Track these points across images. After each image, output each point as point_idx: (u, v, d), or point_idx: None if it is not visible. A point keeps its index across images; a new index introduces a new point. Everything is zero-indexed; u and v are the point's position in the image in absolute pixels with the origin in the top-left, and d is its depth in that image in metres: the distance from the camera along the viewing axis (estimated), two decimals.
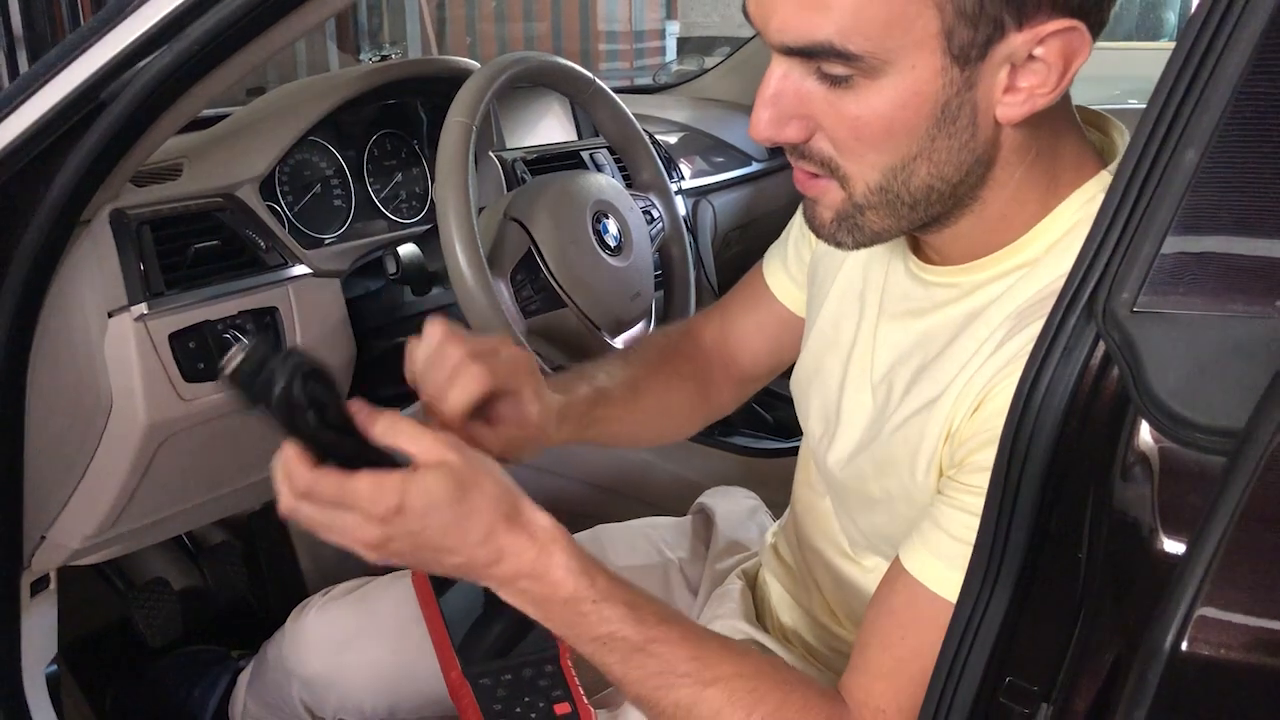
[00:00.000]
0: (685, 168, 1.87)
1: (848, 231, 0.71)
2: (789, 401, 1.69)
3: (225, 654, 1.39)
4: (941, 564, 0.68)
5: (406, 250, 1.15)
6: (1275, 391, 0.47)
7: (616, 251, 1.17)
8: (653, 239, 1.26)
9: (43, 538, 1.08)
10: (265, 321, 1.10)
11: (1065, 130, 0.70)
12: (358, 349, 1.20)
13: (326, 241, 1.24)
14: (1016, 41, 0.61)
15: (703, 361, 1.02)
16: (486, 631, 0.79)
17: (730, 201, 1.98)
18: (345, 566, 1.10)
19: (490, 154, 1.41)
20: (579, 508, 1.64)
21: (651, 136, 1.59)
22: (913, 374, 0.75)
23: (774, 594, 0.99)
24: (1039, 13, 0.60)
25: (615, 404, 0.92)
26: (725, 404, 1.04)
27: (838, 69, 0.63)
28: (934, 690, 0.62)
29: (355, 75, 1.27)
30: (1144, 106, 0.53)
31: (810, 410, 0.88)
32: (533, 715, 0.83)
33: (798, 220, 0.96)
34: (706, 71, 2.33)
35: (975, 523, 0.61)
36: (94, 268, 0.97)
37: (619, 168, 1.52)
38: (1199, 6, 0.51)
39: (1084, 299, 0.54)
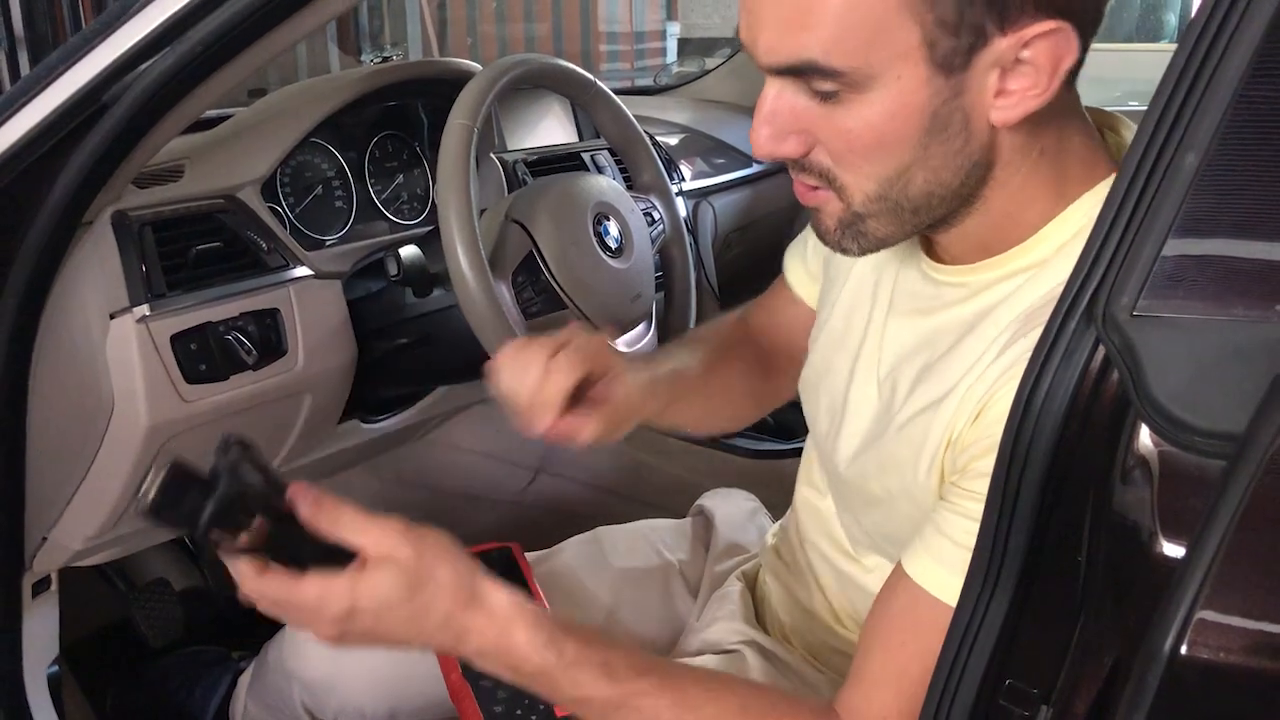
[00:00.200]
0: (686, 169, 1.87)
1: (852, 239, 0.72)
2: (789, 403, 1.70)
3: (226, 655, 1.39)
4: (943, 569, 0.68)
5: (408, 252, 1.15)
6: (1275, 395, 0.47)
7: (617, 253, 1.17)
8: (653, 240, 1.26)
9: (44, 539, 1.08)
10: (266, 323, 1.10)
11: (1073, 130, 0.69)
12: (359, 350, 1.20)
13: (328, 243, 1.24)
14: (1001, 46, 0.61)
15: (759, 348, 1.03)
16: None
17: (731, 203, 1.98)
18: None
19: (491, 156, 1.41)
20: (579, 509, 1.64)
21: (652, 138, 1.59)
22: (918, 372, 0.75)
23: (774, 595, 0.99)
24: (1022, 16, 0.60)
25: (691, 385, 0.93)
26: (785, 389, 1.04)
27: (826, 85, 0.63)
28: (934, 692, 0.62)
29: (356, 77, 1.27)
30: (1144, 109, 0.54)
31: (819, 407, 0.88)
32: (533, 717, 0.83)
33: None
34: (707, 73, 2.33)
35: (974, 528, 0.61)
36: (96, 269, 0.97)
37: (620, 169, 1.52)
38: (1199, 10, 0.51)
39: (1084, 303, 0.54)
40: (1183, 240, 0.51)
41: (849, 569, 0.87)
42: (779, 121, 0.67)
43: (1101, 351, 0.54)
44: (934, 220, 0.71)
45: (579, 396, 0.79)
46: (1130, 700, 0.49)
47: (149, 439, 1.02)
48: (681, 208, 1.54)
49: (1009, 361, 0.67)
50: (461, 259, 1.01)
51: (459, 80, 1.15)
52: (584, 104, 1.27)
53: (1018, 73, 0.62)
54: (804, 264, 0.99)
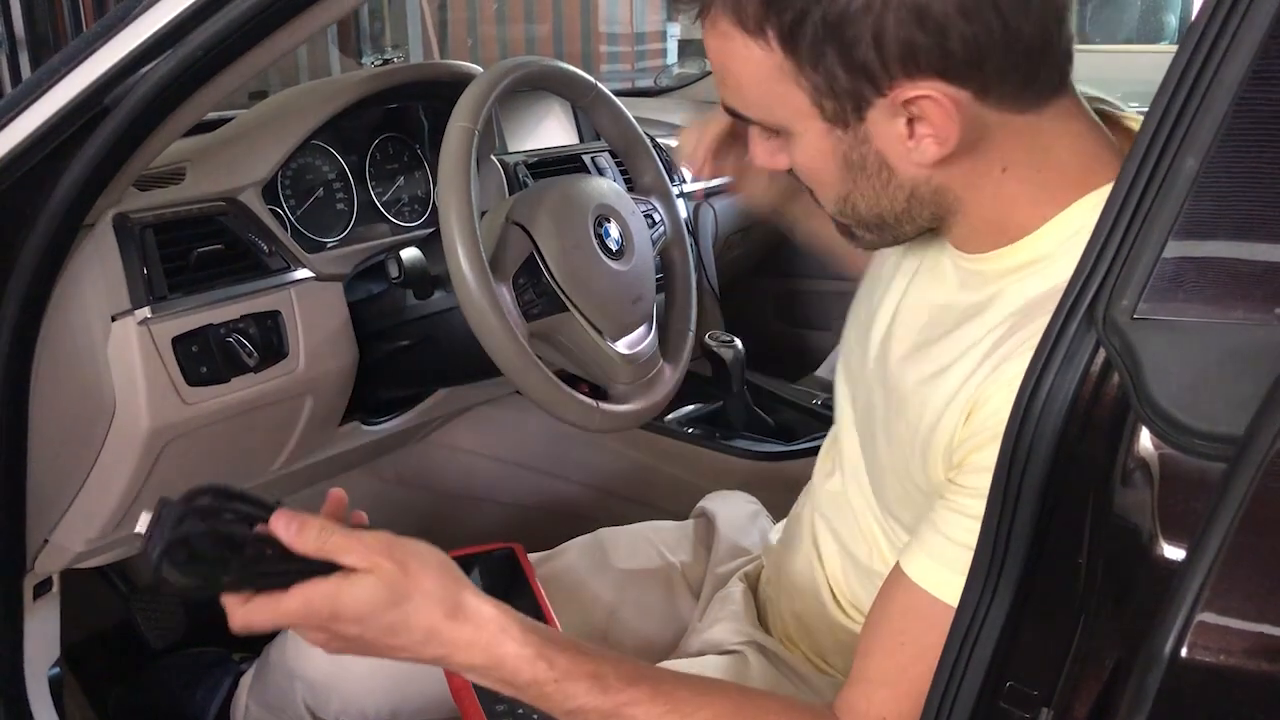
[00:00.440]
0: (687, 171, 1.87)
1: (853, 237, 0.78)
2: (791, 405, 1.71)
3: (227, 656, 1.39)
4: (941, 568, 0.69)
5: (409, 254, 1.15)
6: (1275, 398, 0.47)
7: (618, 255, 1.17)
8: (654, 242, 1.26)
9: (46, 541, 1.08)
10: (267, 325, 1.10)
11: (1062, 136, 0.70)
12: (360, 352, 1.20)
13: (329, 245, 1.24)
14: (883, 105, 0.66)
15: None
16: None
17: (731, 205, 1.98)
18: None
19: (492, 158, 1.41)
20: (580, 510, 1.64)
21: (653, 140, 1.59)
22: (916, 343, 0.78)
23: (777, 592, 0.99)
24: (895, 81, 0.65)
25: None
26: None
27: (760, 128, 0.74)
28: (935, 694, 0.62)
29: (357, 79, 1.27)
30: (1144, 111, 0.54)
31: (851, 341, 0.91)
32: (535, 717, 0.83)
33: None
34: (708, 74, 2.33)
35: (974, 525, 0.61)
36: (97, 271, 0.98)
37: (621, 171, 1.52)
38: (1199, 13, 0.51)
39: (1084, 305, 0.54)
40: (1183, 243, 0.51)
41: (859, 551, 0.87)
42: (760, 146, 0.77)
43: (1102, 354, 0.54)
44: (914, 228, 0.75)
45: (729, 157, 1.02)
46: (1130, 703, 0.49)
47: (150, 441, 1.02)
48: (682, 209, 1.54)
49: (1005, 354, 0.68)
50: (462, 261, 1.01)
51: (460, 82, 1.15)
52: (585, 106, 1.27)
53: (921, 120, 0.66)
54: None
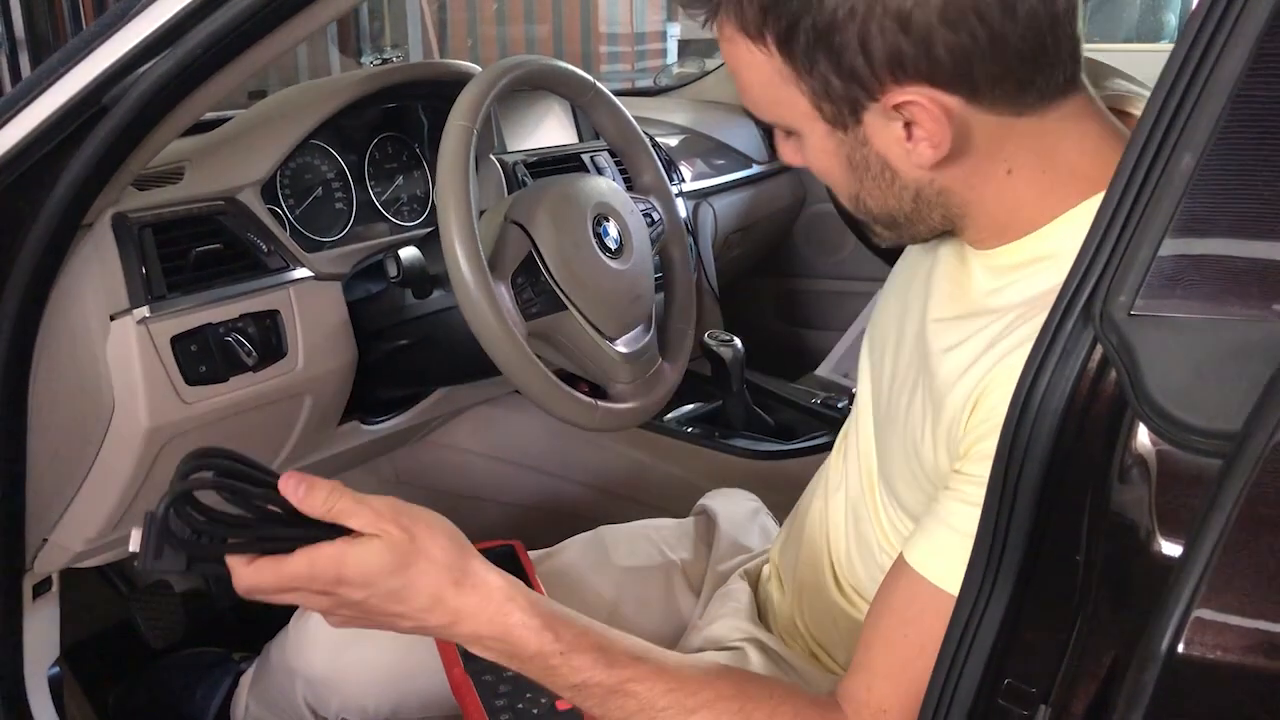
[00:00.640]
0: (686, 170, 1.87)
1: (874, 232, 0.80)
2: (791, 404, 1.71)
3: (227, 656, 1.39)
4: (942, 557, 0.69)
5: (407, 253, 1.15)
6: (1272, 394, 0.47)
7: (617, 254, 1.17)
8: (653, 242, 1.26)
9: (45, 540, 1.08)
10: (266, 324, 1.10)
11: (1070, 138, 0.70)
12: (359, 352, 1.20)
13: (328, 245, 1.24)
14: (877, 109, 0.67)
15: None
16: None
17: (731, 204, 1.99)
18: None
19: (491, 157, 1.41)
20: (580, 509, 1.64)
21: (652, 139, 1.59)
22: (922, 327, 0.79)
23: (779, 584, 0.99)
24: (885, 87, 0.66)
25: None
26: None
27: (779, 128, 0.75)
28: (933, 691, 0.62)
29: (356, 79, 1.27)
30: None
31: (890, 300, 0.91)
32: (535, 711, 0.84)
33: None
34: (707, 74, 2.33)
35: (976, 514, 0.61)
36: (96, 271, 0.98)
37: (620, 170, 1.52)
38: (1195, 10, 0.51)
39: (1081, 302, 0.54)
40: (1180, 240, 0.51)
41: (865, 536, 0.87)
42: (784, 145, 0.78)
43: (1099, 351, 0.54)
44: (928, 229, 0.76)
45: None
46: (1127, 699, 0.49)
47: (149, 440, 1.02)
48: (681, 209, 1.54)
49: (1011, 345, 0.68)
50: (460, 260, 1.01)
51: (459, 82, 1.15)
52: (583, 105, 1.27)
53: (917, 123, 0.67)
54: None
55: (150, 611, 1.41)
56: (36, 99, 0.84)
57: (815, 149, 0.73)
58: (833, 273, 2.32)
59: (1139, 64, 0.90)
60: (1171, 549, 0.50)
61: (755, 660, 0.94)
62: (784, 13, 0.66)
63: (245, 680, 1.22)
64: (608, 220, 1.18)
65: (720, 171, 1.99)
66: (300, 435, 1.20)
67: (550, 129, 1.58)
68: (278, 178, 1.21)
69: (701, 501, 1.21)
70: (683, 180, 1.84)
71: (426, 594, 0.67)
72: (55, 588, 1.13)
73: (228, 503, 0.66)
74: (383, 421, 1.37)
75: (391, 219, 1.35)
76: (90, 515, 1.07)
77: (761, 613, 1.02)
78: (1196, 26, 0.51)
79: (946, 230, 0.76)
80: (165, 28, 0.81)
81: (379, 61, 1.56)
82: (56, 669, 1.15)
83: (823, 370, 1.92)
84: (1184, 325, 0.51)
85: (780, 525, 1.09)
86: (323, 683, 1.04)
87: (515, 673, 0.74)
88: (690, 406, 1.68)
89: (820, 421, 1.65)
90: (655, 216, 1.28)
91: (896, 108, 0.66)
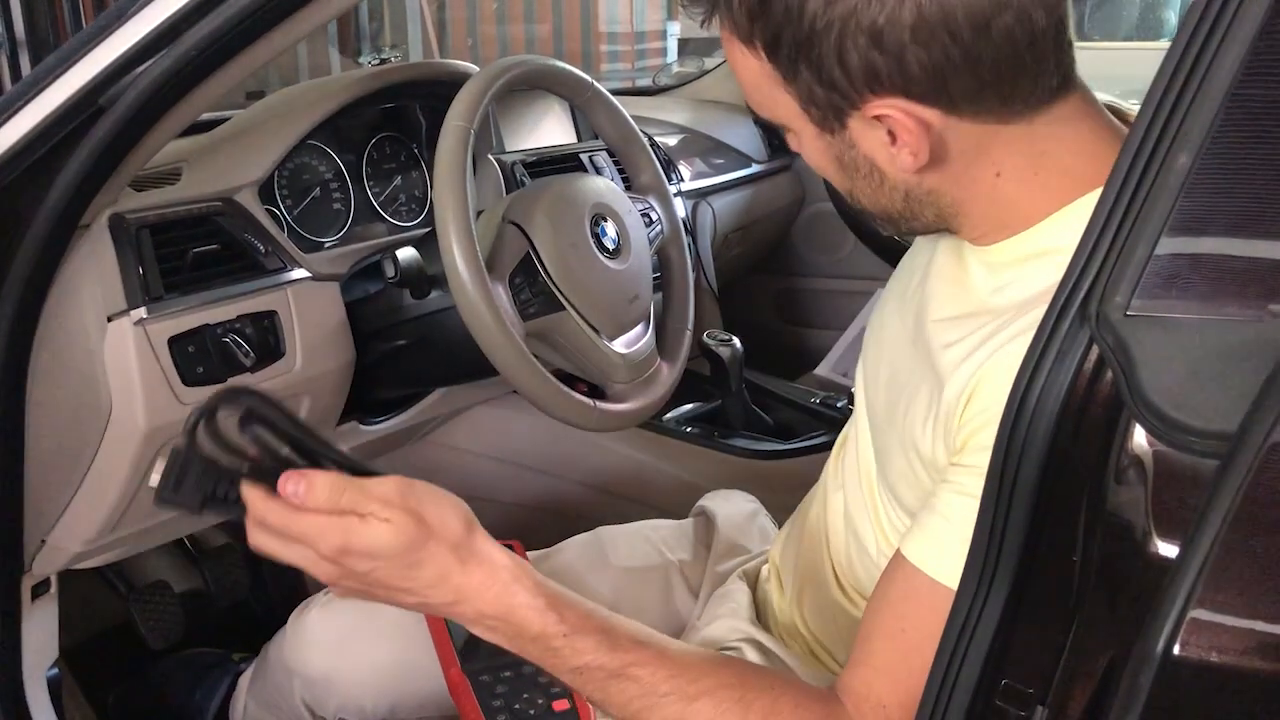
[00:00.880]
0: (685, 170, 1.87)
1: (877, 224, 0.80)
2: (790, 404, 1.71)
3: (226, 657, 1.39)
4: (939, 551, 0.69)
5: (405, 253, 1.15)
6: (1268, 394, 0.47)
7: (615, 254, 1.17)
8: (651, 241, 1.26)
9: (43, 541, 1.08)
10: (264, 325, 1.10)
11: (1061, 140, 0.70)
12: (357, 352, 1.20)
13: (325, 245, 1.24)
14: (859, 116, 0.69)
15: None
16: None
17: (730, 203, 1.98)
18: None
19: (489, 157, 1.41)
20: (578, 510, 1.64)
21: (651, 139, 1.59)
22: (919, 319, 0.79)
23: (779, 582, 0.99)
24: (864, 98, 0.67)
25: None
26: None
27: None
28: (930, 692, 0.62)
29: (355, 79, 1.27)
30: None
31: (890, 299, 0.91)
32: (531, 712, 0.84)
33: None
34: (707, 73, 2.33)
35: (973, 506, 0.61)
36: (93, 272, 0.98)
37: (618, 170, 1.52)
38: (1191, 9, 0.51)
39: (1077, 302, 0.54)
40: (1176, 240, 0.51)
41: (863, 533, 0.87)
42: (791, 139, 0.78)
43: (1095, 351, 0.54)
44: (922, 226, 0.76)
45: None
46: (1123, 700, 0.49)
47: (147, 441, 1.02)
48: (680, 208, 1.54)
49: (1006, 338, 0.68)
50: (458, 261, 1.01)
51: (457, 82, 1.15)
52: (581, 105, 1.27)
53: (900, 130, 0.68)
54: None
55: (149, 612, 1.41)
56: (34, 99, 0.84)
57: (808, 147, 0.75)
58: (832, 272, 2.32)
59: (1139, 62, 0.91)
60: (1168, 549, 0.50)
61: (753, 660, 0.94)
62: (769, 22, 0.67)
63: (244, 681, 1.22)
64: (606, 220, 1.18)
65: (719, 171, 1.99)
66: None
67: (549, 129, 1.58)
68: (275, 178, 1.21)
69: (700, 502, 1.21)
70: (681, 179, 1.84)
71: (434, 571, 0.68)
72: (54, 589, 1.13)
73: (248, 445, 0.66)
74: (381, 422, 1.37)
75: (389, 219, 1.35)
76: (88, 516, 1.07)
77: (760, 613, 1.02)
78: (1192, 26, 0.51)
79: (943, 226, 0.77)
80: (163, 28, 0.81)
81: (378, 61, 1.56)
82: (55, 670, 1.15)
83: (822, 370, 1.92)
84: (1180, 325, 0.51)
85: (779, 526, 1.09)
86: (321, 683, 1.04)
87: (512, 673, 0.74)
88: (689, 406, 1.67)
89: (819, 421, 1.65)
90: (653, 216, 1.28)
91: (877, 118, 0.67)
